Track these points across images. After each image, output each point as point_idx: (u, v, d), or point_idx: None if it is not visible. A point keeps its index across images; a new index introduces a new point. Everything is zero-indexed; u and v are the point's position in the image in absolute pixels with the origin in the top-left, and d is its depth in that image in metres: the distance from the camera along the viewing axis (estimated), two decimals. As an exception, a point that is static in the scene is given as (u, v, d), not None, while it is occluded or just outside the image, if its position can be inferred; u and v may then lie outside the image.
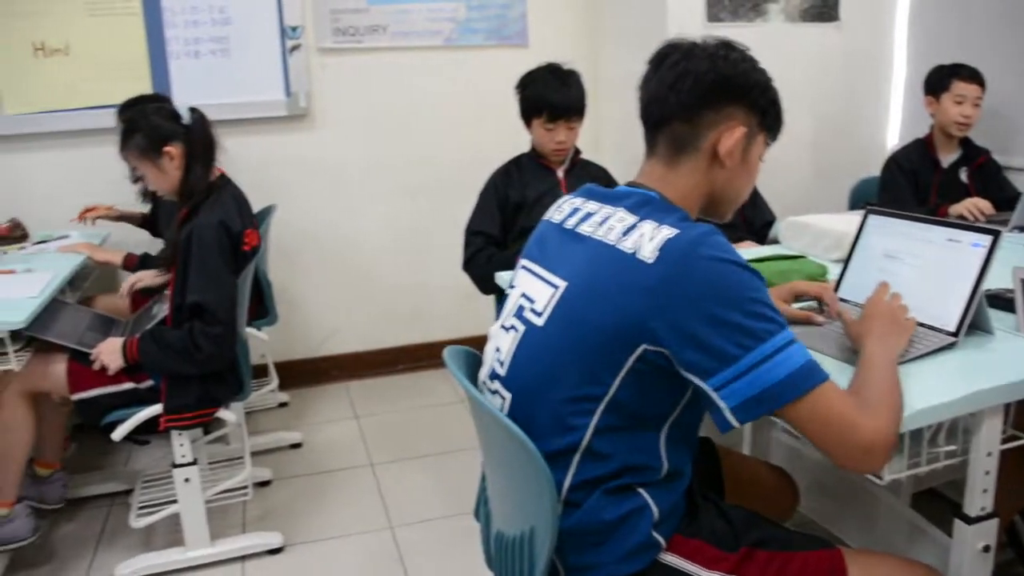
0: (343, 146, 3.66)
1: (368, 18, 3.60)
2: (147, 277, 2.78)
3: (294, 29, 3.49)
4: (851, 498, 1.88)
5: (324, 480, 2.93)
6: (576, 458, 1.21)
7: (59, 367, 2.32)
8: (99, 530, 2.69)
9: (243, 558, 2.47)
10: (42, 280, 2.42)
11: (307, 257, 3.70)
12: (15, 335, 2.16)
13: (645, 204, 1.25)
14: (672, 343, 1.12)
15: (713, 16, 3.33)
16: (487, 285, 2.60)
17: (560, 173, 2.70)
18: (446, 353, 1.39)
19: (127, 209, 3.07)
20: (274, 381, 3.12)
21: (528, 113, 2.63)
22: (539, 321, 1.26)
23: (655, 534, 1.23)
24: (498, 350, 1.34)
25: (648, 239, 1.17)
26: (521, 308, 1.32)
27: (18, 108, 3.31)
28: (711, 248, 1.13)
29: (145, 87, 3.36)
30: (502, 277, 2.26)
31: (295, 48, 3.50)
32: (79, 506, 2.82)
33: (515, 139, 2.76)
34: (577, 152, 2.75)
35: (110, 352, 2.27)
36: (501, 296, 2.59)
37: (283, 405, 3.57)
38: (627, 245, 1.18)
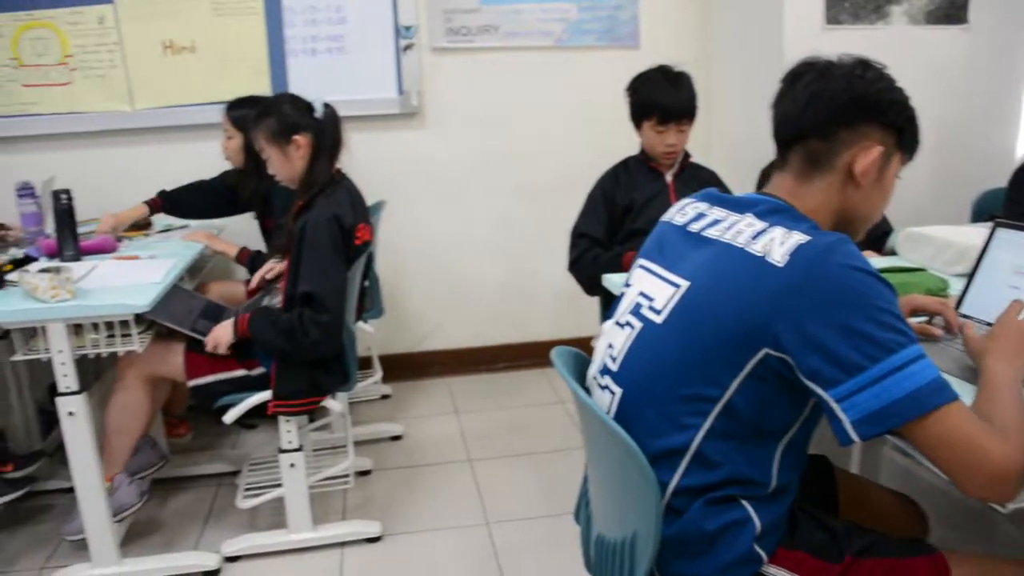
0: (452, 144, 3.70)
1: (481, 18, 3.63)
2: (278, 267, 2.84)
3: (408, 28, 3.55)
4: (967, 525, 1.80)
5: (423, 473, 2.97)
6: (684, 461, 1.20)
7: (177, 355, 2.43)
8: (207, 508, 2.80)
9: (342, 544, 2.53)
10: (164, 266, 2.52)
11: (413, 253, 3.76)
12: (138, 318, 2.26)
13: (775, 212, 1.23)
14: (795, 349, 1.10)
15: (832, 18, 3.22)
16: (592, 286, 2.59)
17: (669, 176, 2.67)
18: (554, 353, 1.39)
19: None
20: (378, 373, 3.18)
21: (638, 115, 2.61)
22: (658, 319, 1.25)
23: (757, 547, 1.21)
24: (611, 346, 1.34)
25: (779, 243, 1.15)
26: (638, 306, 1.31)
27: (147, 103, 3.48)
28: (843, 256, 1.11)
29: (264, 83, 3.49)
30: (611, 279, 2.24)
31: (408, 47, 3.56)
32: (189, 484, 2.95)
33: (624, 141, 2.75)
34: (687, 156, 2.71)
35: (221, 328, 2.37)
36: (607, 298, 2.58)
37: (385, 397, 3.64)
38: (756, 248, 1.17)
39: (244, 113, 2.83)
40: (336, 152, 2.42)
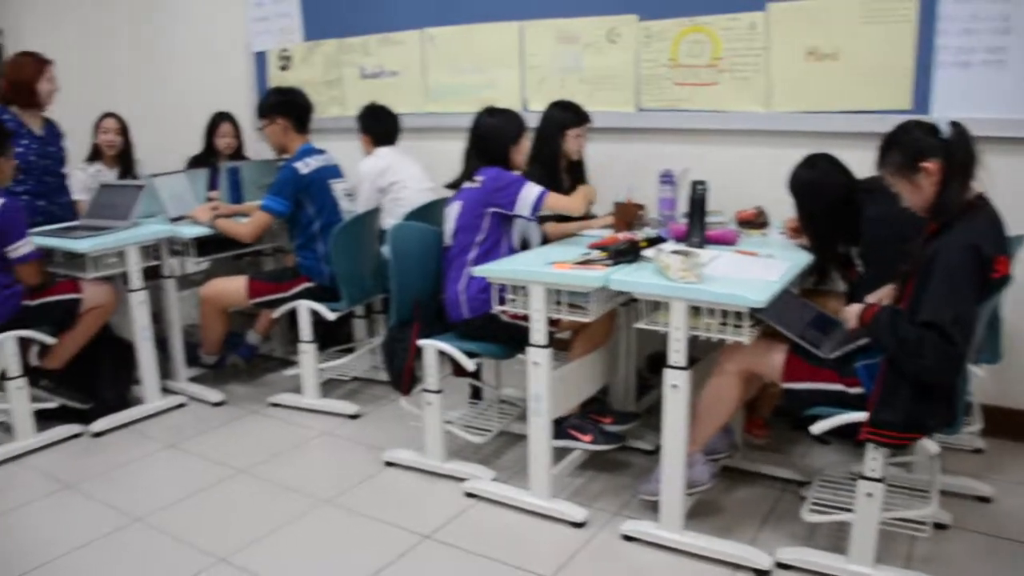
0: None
1: None
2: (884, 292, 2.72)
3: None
4: None
5: (1009, 548, 2.61)
6: None
7: (778, 356, 2.47)
8: (768, 509, 2.83)
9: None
10: (780, 267, 2.58)
11: (1045, 298, 3.28)
12: (750, 313, 2.34)
13: None
14: None
15: None
16: None
17: None
18: None
19: None
20: (977, 424, 2.87)
21: None
22: None
23: None
24: None
25: None
26: None
27: (784, 106, 3.59)
28: None
29: (904, 96, 3.33)
30: None
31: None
32: (755, 480, 3.02)
33: None
34: None
35: (848, 310, 2.37)
36: None
37: (978, 451, 3.26)
38: None
39: None
40: (969, 173, 2.19)
